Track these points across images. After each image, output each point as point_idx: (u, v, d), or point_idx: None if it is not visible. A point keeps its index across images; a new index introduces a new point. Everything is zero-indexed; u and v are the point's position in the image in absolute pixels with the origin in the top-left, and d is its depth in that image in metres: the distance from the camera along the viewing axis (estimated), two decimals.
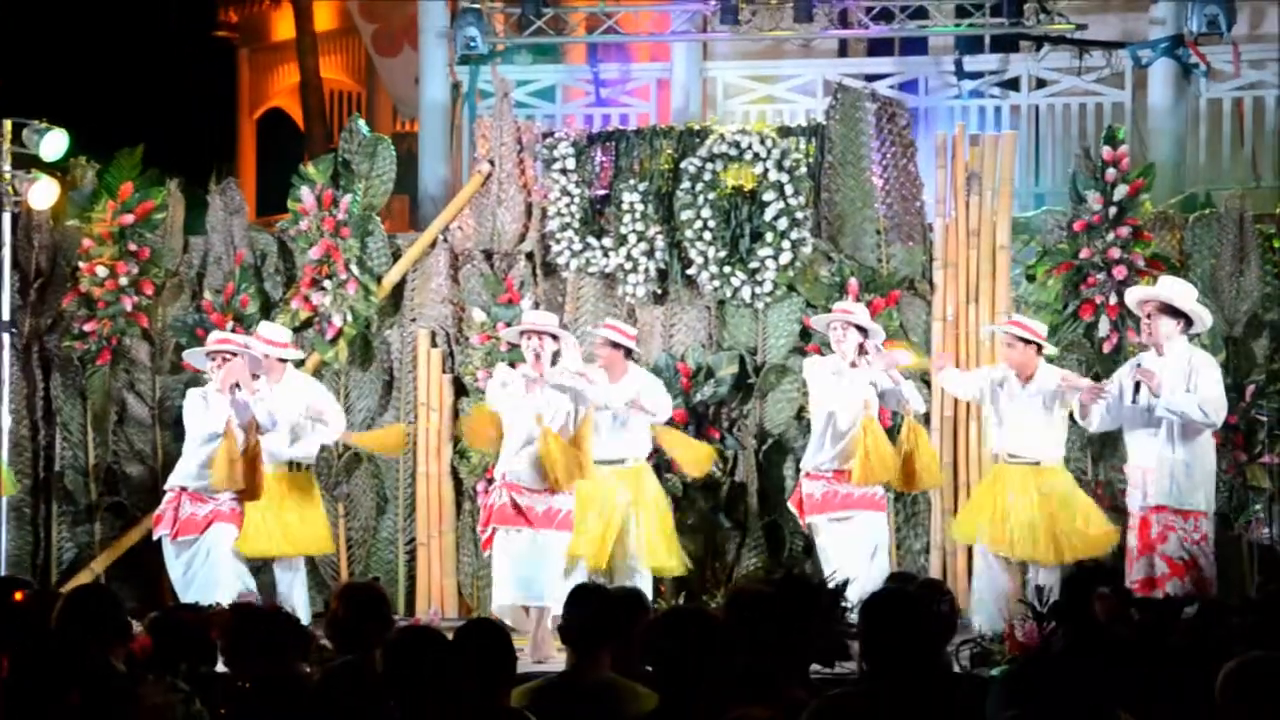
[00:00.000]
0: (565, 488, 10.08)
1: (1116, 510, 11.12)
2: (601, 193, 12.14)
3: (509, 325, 11.26)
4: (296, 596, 10.90)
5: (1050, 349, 10.37)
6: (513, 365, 10.72)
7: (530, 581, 10.05)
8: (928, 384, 11.36)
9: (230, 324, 11.79)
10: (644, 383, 10.68)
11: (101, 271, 12.25)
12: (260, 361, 10.61)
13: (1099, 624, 6.07)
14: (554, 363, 10.31)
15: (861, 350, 10.31)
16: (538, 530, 10.10)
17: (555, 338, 10.39)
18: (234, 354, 10.42)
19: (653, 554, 10.54)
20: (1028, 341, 10.18)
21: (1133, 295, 10.11)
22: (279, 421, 10.42)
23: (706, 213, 11.78)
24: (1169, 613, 5.66)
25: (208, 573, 10.32)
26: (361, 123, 12.74)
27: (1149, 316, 9.69)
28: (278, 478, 10.70)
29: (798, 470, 11.00)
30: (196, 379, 11.07)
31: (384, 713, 5.03)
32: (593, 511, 10.40)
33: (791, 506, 10.69)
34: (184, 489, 10.43)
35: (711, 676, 5.11)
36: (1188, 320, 9.67)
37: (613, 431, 10.49)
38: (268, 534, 10.75)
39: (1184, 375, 9.55)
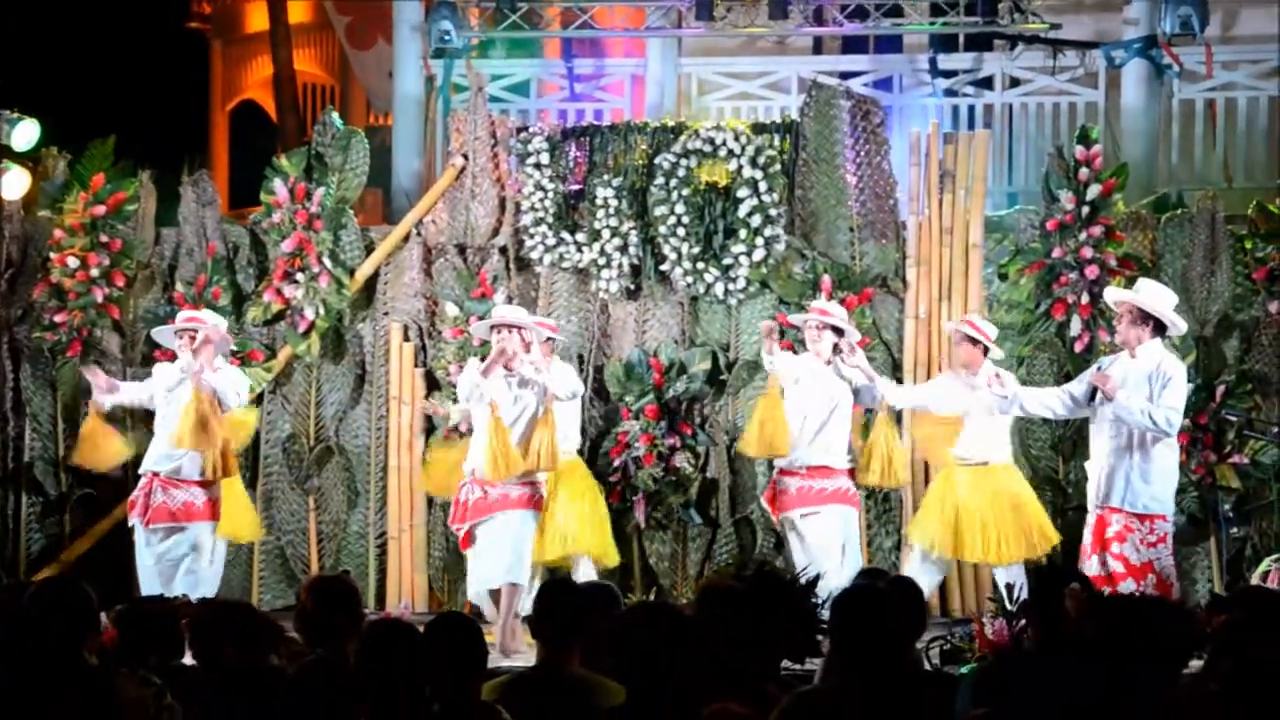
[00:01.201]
0: (495, 480, 10.05)
1: (1085, 510, 11.18)
2: (575, 188, 12.13)
3: (481, 319, 11.24)
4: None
5: (997, 352, 10.35)
6: (483, 360, 10.69)
7: (510, 561, 10.03)
8: (900, 382, 11.37)
9: None
10: (558, 369, 10.70)
11: (73, 262, 12.21)
12: (228, 342, 10.69)
13: (1069, 621, 6.08)
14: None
15: (836, 350, 10.31)
16: (511, 511, 10.08)
17: (523, 330, 10.38)
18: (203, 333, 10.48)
19: (583, 545, 10.57)
20: (975, 341, 10.22)
21: (1111, 295, 10.10)
22: (244, 400, 10.49)
23: (680, 209, 11.78)
24: (1137, 610, 5.67)
25: (201, 573, 10.34)
26: (335, 116, 12.72)
27: (1121, 319, 9.71)
28: None
29: (769, 467, 11.01)
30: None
31: (357, 706, 5.02)
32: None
33: (764, 502, 10.70)
34: (156, 474, 10.43)
35: (681, 672, 5.11)
36: (1159, 325, 9.66)
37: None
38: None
39: (1150, 380, 9.56)
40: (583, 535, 10.71)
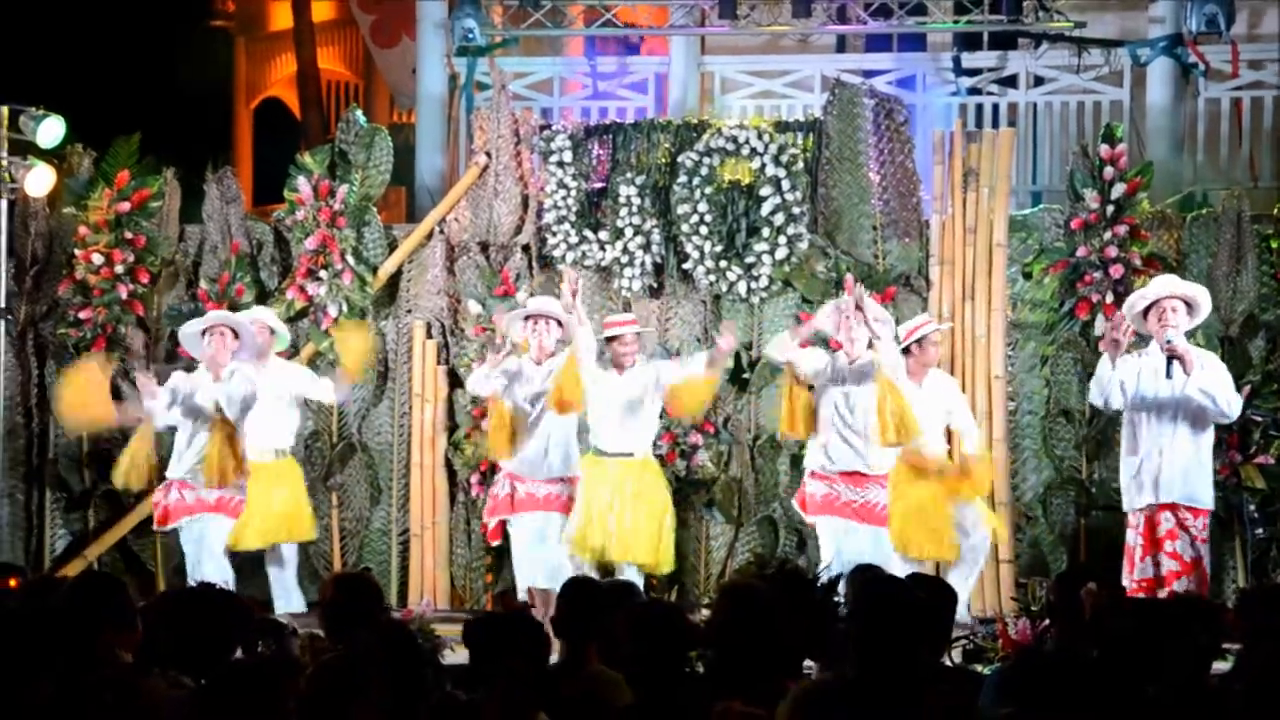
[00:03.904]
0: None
1: (1109, 510, 11.12)
2: (598, 186, 12.13)
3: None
4: (289, 587, 10.98)
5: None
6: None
7: (553, 566, 10.13)
8: None
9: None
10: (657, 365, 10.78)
11: (97, 259, 12.24)
12: (258, 344, 10.67)
13: (1091, 621, 6.06)
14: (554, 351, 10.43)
15: (869, 346, 10.23)
16: (546, 513, 10.21)
17: (560, 323, 10.43)
18: (234, 333, 10.51)
19: (633, 550, 10.47)
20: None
21: (1149, 293, 9.91)
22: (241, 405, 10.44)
23: (703, 207, 11.77)
24: (1163, 610, 5.65)
25: (192, 565, 10.39)
26: (359, 113, 12.72)
27: (1174, 310, 9.63)
28: (260, 467, 10.69)
29: (791, 465, 10.99)
30: (191, 365, 11.06)
31: (376, 701, 5.01)
32: (590, 501, 10.40)
33: (795, 504, 10.60)
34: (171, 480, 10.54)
35: (690, 670, 5.11)
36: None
37: (622, 423, 10.47)
38: (253, 525, 10.79)
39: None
40: (635, 543, 10.55)
